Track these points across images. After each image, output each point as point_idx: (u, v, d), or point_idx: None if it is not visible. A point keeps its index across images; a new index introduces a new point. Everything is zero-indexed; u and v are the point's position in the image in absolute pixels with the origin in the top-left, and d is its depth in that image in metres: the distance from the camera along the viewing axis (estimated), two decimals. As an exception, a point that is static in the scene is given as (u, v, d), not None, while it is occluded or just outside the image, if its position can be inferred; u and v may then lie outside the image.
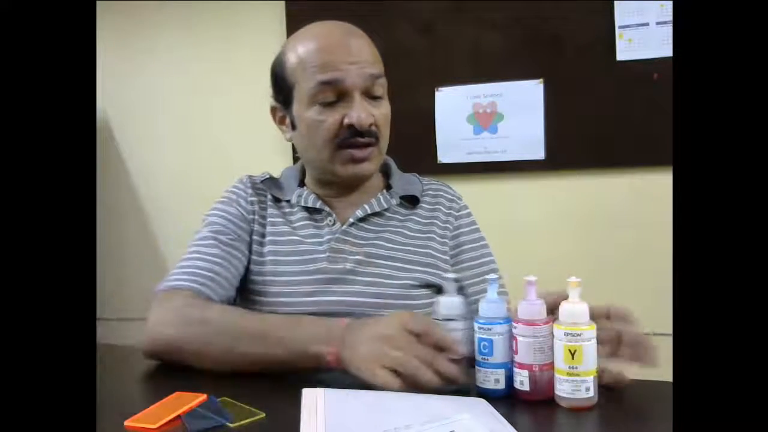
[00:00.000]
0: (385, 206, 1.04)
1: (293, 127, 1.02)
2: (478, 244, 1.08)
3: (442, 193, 1.10)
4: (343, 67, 0.95)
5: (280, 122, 1.06)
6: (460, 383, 0.72)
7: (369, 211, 1.02)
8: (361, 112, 0.95)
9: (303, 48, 0.98)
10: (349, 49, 0.96)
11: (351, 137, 0.96)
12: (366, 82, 0.96)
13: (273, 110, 1.06)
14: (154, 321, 0.90)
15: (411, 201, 1.07)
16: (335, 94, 0.95)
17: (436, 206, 1.07)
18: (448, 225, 1.06)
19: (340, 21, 1.01)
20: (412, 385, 0.71)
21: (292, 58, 0.99)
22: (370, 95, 0.98)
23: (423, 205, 1.07)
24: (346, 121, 0.95)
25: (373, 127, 0.97)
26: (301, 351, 0.79)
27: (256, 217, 1.03)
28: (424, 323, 0.74)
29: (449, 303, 0.76)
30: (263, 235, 1.02)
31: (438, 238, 1.04)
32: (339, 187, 1.05)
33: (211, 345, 0.84)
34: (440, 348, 0.73)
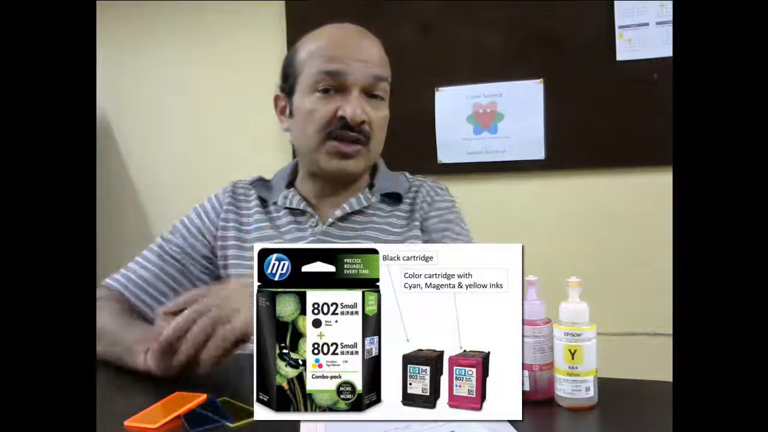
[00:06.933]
0: (365, 204, 1.04)
1: (291, 115, 1.05)
2: (444, 217, 1.05)
3: (424, 185, 1.09)
4: (349, 62, 0.98)
5: (281, 112, 1.08)
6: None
7: (348, 210, 1.03)
8: (356, 108, 0.97)
9: (316, 41, 1.01)
10: (359, 48, 0.99)
11: (340, 129, 0.98)
12: (368, 81, 0.99)
13: (276, 99, 1.09)
14: None
15: (395, 198, 1.07)
16: (335, 85, 0.98)
17: (415, 200, 1.07)
18: (421, 212, 1.05)
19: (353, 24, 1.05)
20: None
21: (303, 49, 1.02)
22: (369, 95, 1.00)
23: (405, 200, 1.07)
24: (340, 113, 0.98)
25: (366, 126, 0.99)
26: (128, 350, 0.83)
27: (232, 224, 1.06)
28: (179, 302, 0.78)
29: None
30: (244, 241, 1.04)
31: (418, 232, 1.04)
32: (326, 184, 1.05)
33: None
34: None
